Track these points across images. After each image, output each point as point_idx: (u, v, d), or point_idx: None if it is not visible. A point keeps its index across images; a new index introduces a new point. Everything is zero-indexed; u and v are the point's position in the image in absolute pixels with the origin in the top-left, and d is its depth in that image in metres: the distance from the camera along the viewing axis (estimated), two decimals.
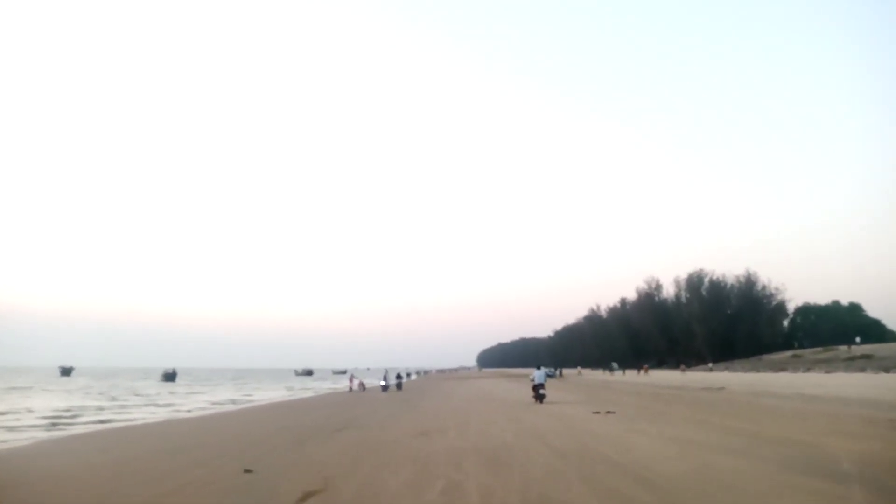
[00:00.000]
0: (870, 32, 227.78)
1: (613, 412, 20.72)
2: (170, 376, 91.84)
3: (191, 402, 40.11)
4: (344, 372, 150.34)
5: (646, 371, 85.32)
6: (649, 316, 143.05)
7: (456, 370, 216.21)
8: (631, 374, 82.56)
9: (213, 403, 39.10)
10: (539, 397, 26.85)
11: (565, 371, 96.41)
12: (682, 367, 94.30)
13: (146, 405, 37.50)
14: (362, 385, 51.18)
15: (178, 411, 32.17)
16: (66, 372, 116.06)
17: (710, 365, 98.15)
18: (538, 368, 29.30)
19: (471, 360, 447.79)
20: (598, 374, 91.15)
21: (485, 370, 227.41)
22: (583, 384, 52.41)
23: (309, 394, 52.81)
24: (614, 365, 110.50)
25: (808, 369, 67.07)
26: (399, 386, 45.68)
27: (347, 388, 52.69)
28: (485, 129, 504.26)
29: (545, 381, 28.30)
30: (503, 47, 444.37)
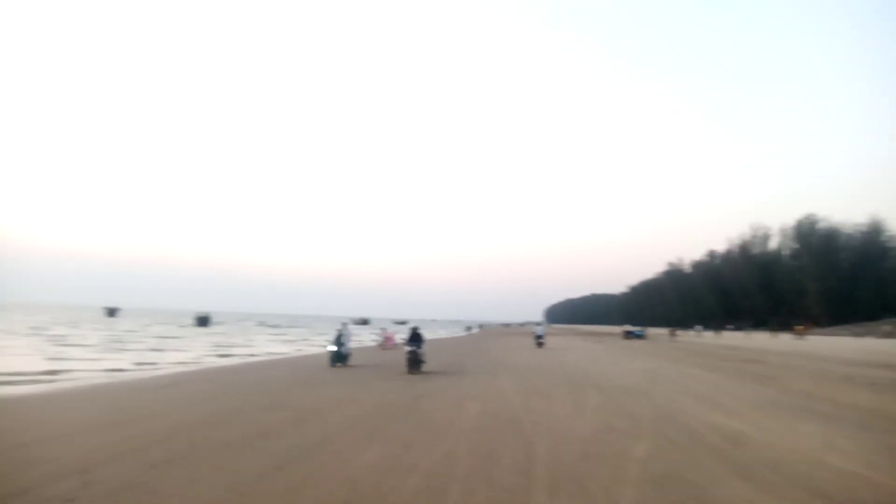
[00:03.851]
0: None
1: None
2: (203, 321, 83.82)
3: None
4: (366, 322, 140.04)
5: (801, 332, 68.84)
6: (745, 270, 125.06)
7: (521, 325, 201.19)
8: (761, 337, 65.90)
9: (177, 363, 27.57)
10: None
11: (651, 331, 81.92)
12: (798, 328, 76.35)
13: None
14: (390, 341, 39.33)
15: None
16: (111, 313, 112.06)
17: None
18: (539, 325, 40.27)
19: (538, 315, 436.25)
20: (691, 336, 75.83)
21: (554, 326, 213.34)
22: (701, 351, 38.36)
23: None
24: (698, 327, 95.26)
25: None
26: (414, 360, 19.57)
27: (378, 344, 41.88)
28: (561, 75, 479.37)
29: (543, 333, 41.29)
30: None
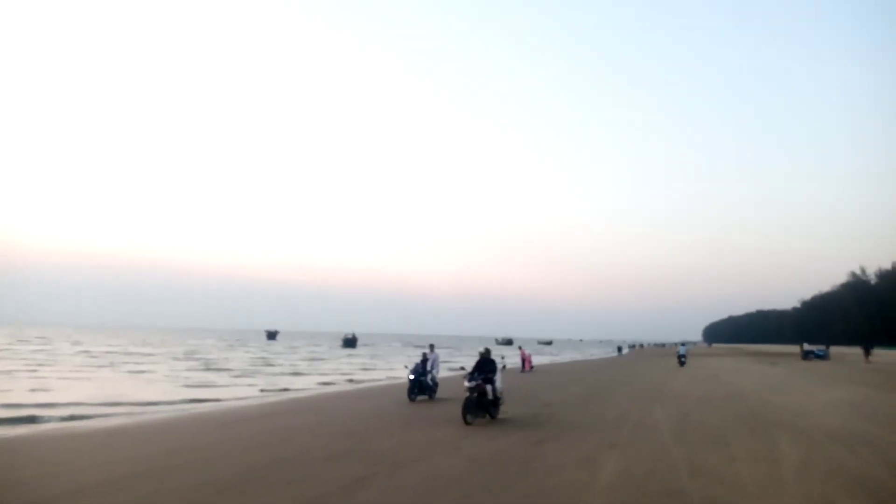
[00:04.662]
0: None
1: None
2: (350, 342, 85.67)
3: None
4: (510, 342, 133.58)
5: None
6: None
7: (676, 345, 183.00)
8: None
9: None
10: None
11: (834, 350, 70.42)
12: None
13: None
14: (529, 363, 36.03)
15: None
16: (271, 336, 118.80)
17: None
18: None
19: (696, 335, 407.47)
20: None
21: (716, 346, 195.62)
22: None
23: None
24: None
25: None
26: (476, 402, 12.82)
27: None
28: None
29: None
30: None
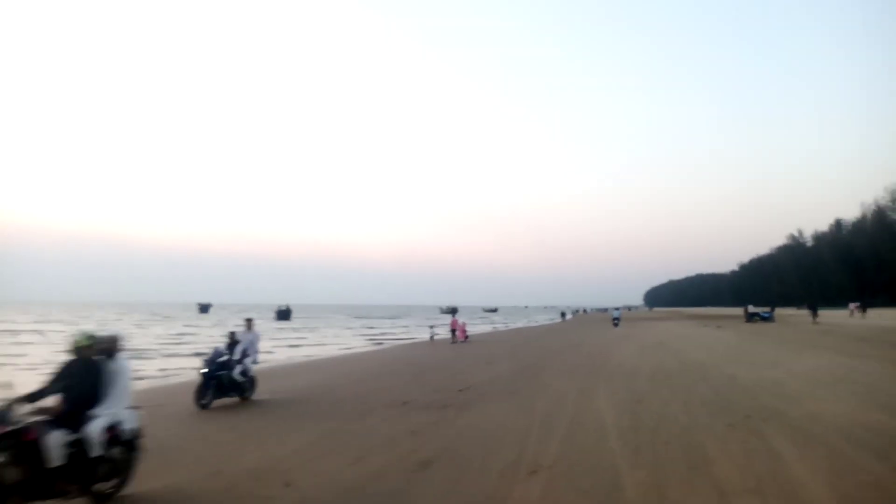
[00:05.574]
0: None
1: None
2: (284, 314, 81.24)
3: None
4: (455, 311, 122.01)
5: None
6: (882, 240, 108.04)
7: (618, 310, 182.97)
8: None
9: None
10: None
11: (780, 311, 69.49)
12: None
13: None
14: (458, 333, 32.56)
15: None
16: (204, 309, 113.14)
17: None
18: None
19: (637, 299, 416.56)
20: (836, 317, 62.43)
21: (657, 310, 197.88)
22: (873, 338, 28.86)
23: (371, 346, 35.75)
24: (853, 305, 72.70)
25: None
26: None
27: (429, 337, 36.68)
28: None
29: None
30: None
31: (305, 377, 16.86)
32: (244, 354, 11.99)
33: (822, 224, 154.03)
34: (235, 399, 11.67)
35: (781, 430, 7.81)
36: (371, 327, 61.51)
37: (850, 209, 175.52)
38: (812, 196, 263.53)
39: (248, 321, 13.33)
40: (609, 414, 9.35)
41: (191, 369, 17.78)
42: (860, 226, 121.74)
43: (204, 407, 10.94)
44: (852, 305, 59.81)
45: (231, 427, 9.28)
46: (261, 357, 13.58)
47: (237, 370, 11.60)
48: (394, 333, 49.41)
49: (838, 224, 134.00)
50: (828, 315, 57.41)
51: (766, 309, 57.37)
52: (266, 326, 58.91)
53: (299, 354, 27.95)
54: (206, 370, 11.26)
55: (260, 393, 12.32)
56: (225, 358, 11.68)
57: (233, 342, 12.16)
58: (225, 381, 11.38)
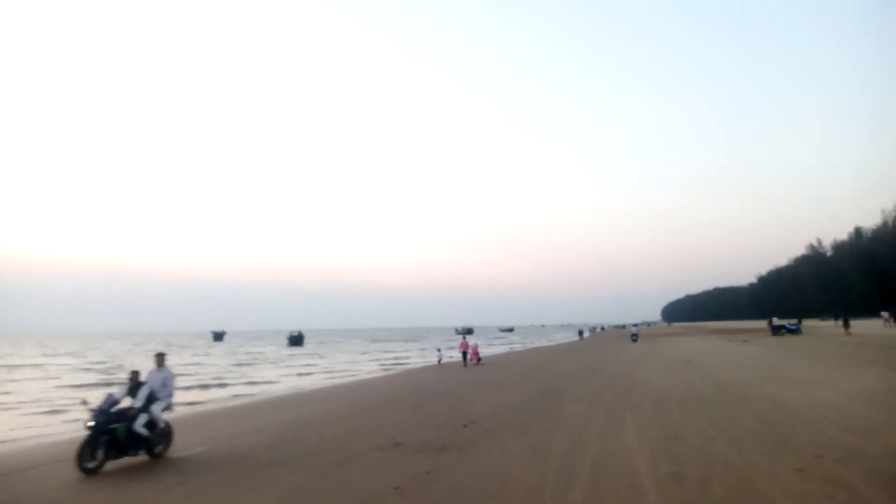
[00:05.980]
0: None
1: None
2: (296, 340, 79.96)
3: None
4: (470, 331, 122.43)
5: None
6: None
7: (636, 326, 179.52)
8: None
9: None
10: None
11: (808, 323, 66.95)
12: None
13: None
14: (470, 355, 30.66)
15: None
16: (218, 337, 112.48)
17: None
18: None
19: (655, 315, 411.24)
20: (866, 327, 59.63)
21: (676, 325, 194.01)
22: None
23: (379, 372, 34.02)
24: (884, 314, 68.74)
25: None
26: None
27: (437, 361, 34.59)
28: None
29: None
30: None
31: (291, 412, 15.26)
32: (150, 399, 9.54)
33: (841, 233, 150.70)
34: (144, 457, 9.42)
35: (868, 477, 6.07)
36: (386, 351, 59.98)
37: (869, 217, 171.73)
38: (829, 205, 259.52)
39: (160, 356, 10.54)
40: (641, 457, 7.63)
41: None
42: (881, 233, 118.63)
43: (90, 472, 8.46)
44: (885, 314, 57.07)
45: (127, 500, 7.17)
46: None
47: (140, 420, 9.13)
48: (407, 357, 47.66)
49: (858, 232, 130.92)
50: (858, 325, 54.97)
51: (793, 321, 55.00)
52: (278, 353, 57.64)
53: (306, 383, 26.49)
54: (92, 423, 8.72)
55: (190, 444, 10.42)
56: (124, 405, 9.27)
57: (135, 384, 9.66)
58: (121, 435, 8.90)
